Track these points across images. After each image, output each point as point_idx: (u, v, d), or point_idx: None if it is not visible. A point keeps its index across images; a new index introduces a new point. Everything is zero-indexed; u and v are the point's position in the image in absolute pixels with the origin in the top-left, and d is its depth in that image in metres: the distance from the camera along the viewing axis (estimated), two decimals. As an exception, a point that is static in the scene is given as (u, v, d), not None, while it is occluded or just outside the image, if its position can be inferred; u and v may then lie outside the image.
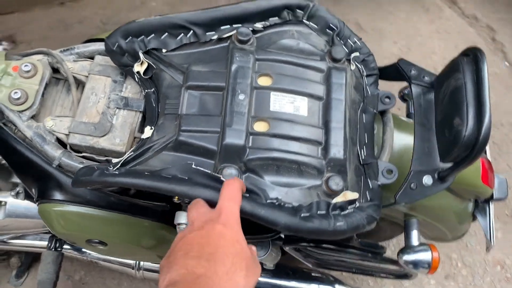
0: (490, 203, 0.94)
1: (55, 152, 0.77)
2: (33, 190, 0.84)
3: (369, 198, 0.69)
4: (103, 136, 0.78)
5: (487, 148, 0.98)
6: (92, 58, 0.85)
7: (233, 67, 0.68)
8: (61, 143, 0.80)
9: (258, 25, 0.74)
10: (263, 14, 0.73)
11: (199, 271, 0.49)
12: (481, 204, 0.95)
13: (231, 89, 0.67)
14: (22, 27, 1.81)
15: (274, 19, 0.74)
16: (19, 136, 0.80)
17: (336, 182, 0.65)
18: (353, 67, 0.76)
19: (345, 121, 0.69)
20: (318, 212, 0.64)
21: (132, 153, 0.70)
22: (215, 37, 0.74)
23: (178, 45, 0.74)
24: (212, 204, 0.60)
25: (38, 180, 0.82)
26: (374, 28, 2.06)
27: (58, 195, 0.81)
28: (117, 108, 0.79)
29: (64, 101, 0.84)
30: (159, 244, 0.92)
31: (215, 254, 0.51)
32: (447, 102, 0.68)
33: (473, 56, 0.63)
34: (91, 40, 0.91)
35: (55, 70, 0.85)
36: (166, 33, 0.74)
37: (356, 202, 0.68)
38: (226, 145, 0.65)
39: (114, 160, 0.72)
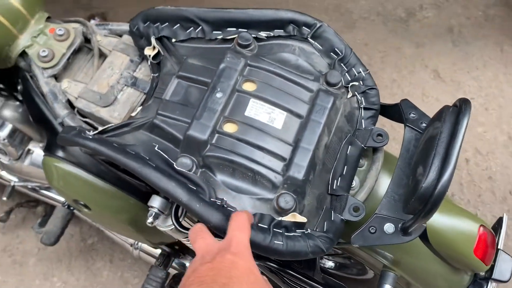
0: (489, 282, 0.85)
1: (62, 111, 0.84)
2: (44, 141, 0.92)
3: (325, 229, 0.66)
4: (105, 107, 0.83)
5: (504, 222, 0.89)
6: (121, 36, 0.92)
7: (221, 66, 0.69)
8: (72, 106, 0.87)
9: (262, 34, 0.74)
10: (268, 24, 0.74)
11: None
12: (478, 281, 0.86)
13: (212, 86, 0.68)
14: (116, 8, 1.97)
15: (279, 31, 0.74)
16: (40, 91, 0.88)
17: (286, 200, 0.63)
18: (350, 95, 0.73)
19: (317, 144, 0.66)
20: (259, 224, 0.63)
21: (114, 125, 0.74)
22: (220, 36, 0.76)
23: (187, 38, 0.77)
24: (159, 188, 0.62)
25: (48, 134, 0.90)
26: (454, 79, 1.94)
27: (60, 153, 0.87)
28: (125, 85, 0.84)
29: (89, 70, 0.91)
30: (145, 226, 0.95)
31: (229, 284, 0.49)
32: (420, 149, 0.63)
33: (458, 107, 0.58)
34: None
35: (88, 40, 0.92)
36: (178, 24, 0.78)
37: (308, 229, 0.65)
38: (188, 136, 0.66)
39: (100, 128, 0.77)
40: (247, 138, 0.66)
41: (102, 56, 0.90)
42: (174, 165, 0.65)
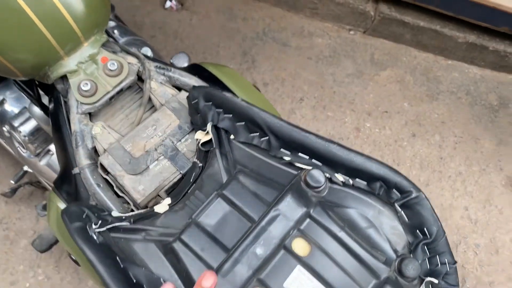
0: None
1: (83, 160, 0.71)
2: (59, 169, 0.80)
3: None
4: (131, 174, 0.69)
5: None
6: (180, 89, 0.77)
7: (272, 212, 0.54)
8: (98, 154, 0.74)
9: (339, 177, 0.58)
10: (352, 170, 0.58)
11: None
12: None
13: (256, 234, 0.53)
14: (197, -4, 1.84)
15: (361, 182, 0.58)
16: (69, 125, 0.75)
17: None
18: (421, 291, 0.57)
19: None
20: None
21: (128, 223, 0.60)
22: (288, 158, 0.60)
23: (248, 141, 0.62)
24: None
25: (63, 167, 0.77)
26: (526, 193, 1.72)
27: (66, 196, 0.75)
28: (162, 155, 0.70)
29: (132, 113, 0.78)
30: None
31: None
32: None
33: None
34: (196, 65, 0.84)
35: (142, 78, 0.78)
36: (244, 122, 0.62)
37: None
38: None
39: (114, 214, 0.63)
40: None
41: (150, 104, 0.77)
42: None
